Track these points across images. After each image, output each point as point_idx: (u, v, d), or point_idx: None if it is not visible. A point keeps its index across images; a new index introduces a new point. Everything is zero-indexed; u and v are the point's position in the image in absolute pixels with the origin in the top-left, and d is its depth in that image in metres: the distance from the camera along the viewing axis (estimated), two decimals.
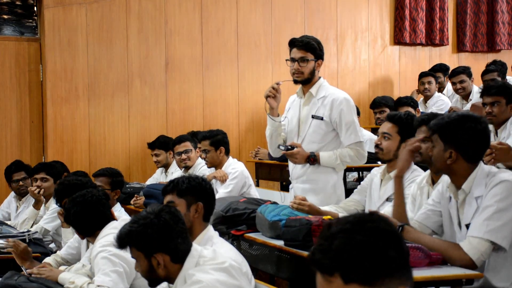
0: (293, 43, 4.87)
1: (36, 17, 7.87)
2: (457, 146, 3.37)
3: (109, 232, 3.90)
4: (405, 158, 3.73)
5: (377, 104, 7.52)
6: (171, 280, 3.06)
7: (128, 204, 6.34)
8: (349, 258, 1.82)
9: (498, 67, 7.86)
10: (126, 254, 3.63)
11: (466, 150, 3.38)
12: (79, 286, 3.77)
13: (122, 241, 3.04)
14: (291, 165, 4.99)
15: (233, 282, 3.01)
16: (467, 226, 3.37)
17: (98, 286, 3.74)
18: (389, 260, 1.81)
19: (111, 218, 4.10)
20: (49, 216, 6.13)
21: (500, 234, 3.27)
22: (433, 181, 3.92)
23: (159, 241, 3.01)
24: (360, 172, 6.21)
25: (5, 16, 7.82)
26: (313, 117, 4.84)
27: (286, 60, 4.92)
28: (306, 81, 4.87)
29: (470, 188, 3.40)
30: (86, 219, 3.99)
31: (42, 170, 6.26)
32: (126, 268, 3.78)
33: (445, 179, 3.62)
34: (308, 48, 4.82)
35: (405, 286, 1.84)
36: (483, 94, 5.37)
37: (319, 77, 4.92)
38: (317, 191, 4.68)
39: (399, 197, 3.72)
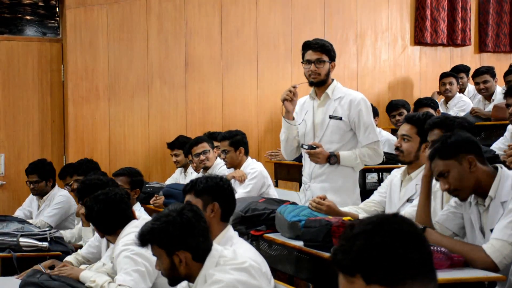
0: (308, 46, 4.89)
1: (58, 18, 7.91)
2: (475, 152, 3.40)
3: (131, 231, 3.90)
4: None
5: (394, 106, 7.48)
6: (191, 278, 3.06)
7: (147, 203, 6.37)
8: (370, 259, 1.81)
9: None
10: (148, 253, 3.64)
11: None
12: (100, 285, 3.79)
13: (144, 238, 3.04)
14: (308, 164, 4.99)
15: (253, 282, 3.01)
16: (492, 230, 3.36)
17: (119, 285, 3.75)
18: (411, 262, 1.80)
19: (133, 217, 4.11)
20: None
21: None
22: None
23: (181, 238, 3.01)
24: (380, 173, 6.19)
25: (28, 17, 7.88)
26: (331, 117, 4.85)
27: (301, 62, 4.93)
28: (321, 82, 4.88)
29: (495, 193, 3.39)
30: (108, 217, 4.00)
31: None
32: (149, 267, 3.79)
33: None
34: (323, 50, 4.84)
35: None
36: (507, 94, 5.35)
37: (333, 79, 4.94)
38: (336, 190, 4.68)
39: (425, 197, 3.70)
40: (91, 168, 6.27)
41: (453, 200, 3.67)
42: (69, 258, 4.68)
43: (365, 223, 1.86)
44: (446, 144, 3.43)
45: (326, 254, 3.42)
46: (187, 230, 3.04)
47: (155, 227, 3.02)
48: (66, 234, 5.77)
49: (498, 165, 3.47)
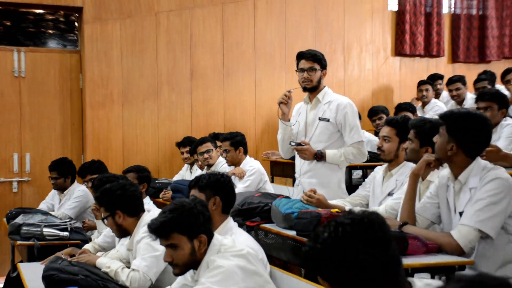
0: (301, 56, 4.92)
1: (77, 32, 7.92)
2: (460, 141, 3.39)
3: (152, 216, 3.92)
4: (426, 160, 3.72)
5: (375, 112, 7.53)
6: (197, 265, 3.06)
7: (157, 197, 6.38)
8: (332, 266, 1.78)
9: (488, 76, 7.85)
10: None
11: (467, 145, 3.40)
12: (114, 270, 3.80)
13: (164, 229, 3.00)
14: (298, 161, 5.01)
15: (250, 268, 3.02)
16: (461, 214, 3.39)
17: (133, 269, 3.77)
18: (373, 269, 1.75)
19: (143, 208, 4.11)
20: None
21: (489, 224, 3.29)
22: (422, 178, 3.94)
23: (201, 223, 3.02)
24: (364, 170, 6.21)
25: (50, 31, 7.90)
26: (320, 119, 4.87)
27: (296, 70, 4.96)
28: (313, 88, 4.90)
29: (466, 179, 3.42)
30: (127, 199, 3.97)
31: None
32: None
33: (442, 173, 3.64)
34: (315, 59, 4.87)
35: None
36: (477, 99, 5.37)
37: (324, 86, 4.96)
38: (323, 185, 4.67)
39: (410, 193, 3.69)
40: (100, 168, 6.30)
41: (429, 191, 3.70)
42: (87, 246, 4.69)
43: (336, 226, 1.80)
44: (456, 116, 3.44)
45: None
46: (204, 216, 3.05)
47: (176, 216, 3.00)
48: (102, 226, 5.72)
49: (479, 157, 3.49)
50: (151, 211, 4.08)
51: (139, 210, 4.01)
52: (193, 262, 3.04)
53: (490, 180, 3.33)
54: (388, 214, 3.92)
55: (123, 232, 4.00)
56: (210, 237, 3.08)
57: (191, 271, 3.24)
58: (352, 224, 1.79)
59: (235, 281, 2.93)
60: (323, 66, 4.91)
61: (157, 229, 3.01)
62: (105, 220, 4.02)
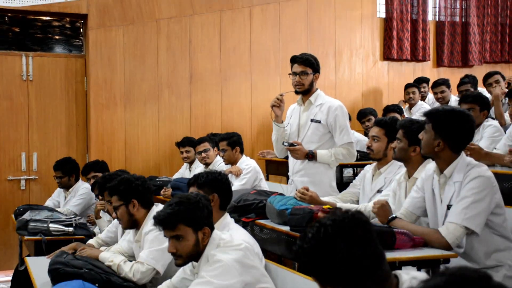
0: (294, 60, 4.89)
1: (82, 37, 7.91)
2: (446, 138, 3.39)
3: None
4: None
5: (363, 114, 7.57)
6: (199, 257, 3.05)
7: (158, 194, 6.37)
8: (320, 265, 1.78)
9: (471, 79, 7.87)
10: None
11: (453, 141, 3.41)
12: (116, 264, 3.78)
13: (170, 220, 2.98)
14: (291, 160, 4.99)
15: (247, 262, 3.02)
16: (448, 206, 3.39)
17: (138, 261, 3.75)
18: (359, 266, 1.75)
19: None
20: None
21: (475, 221, 3.29)
22: (409, 176, 3.94)
23: (205, 216, 3.02)
24: (355, 168, 6.21)
25: (57, 37, 7.88)
26: (312, 121, 4.85)
27: (289, 74, 4.94)
28: (306, 91, 4.88)
29: (451, 173, 3.43)
30: (141, 191, 3.96)
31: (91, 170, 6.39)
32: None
33: (428, 167, 3.65)
34: (307, 63, 4.83)
35: (380, 287, 1.82)
36: (461, 101, 5.37)
37: (317, 88, 4.93)
38: (314, 183, 4.63)
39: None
40: (103, 167, 6.31)
41: (415, 186, 3.71)
42: (91, 241, 4.69)
43: (318, 227, 1.80)
44: (441, 114, 3.44)
45: None
46: (208, 210, 3.05)
47: (182, 208, 2.99)
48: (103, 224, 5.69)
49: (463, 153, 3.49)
50: (159, 205, 4.06)
51: (151, 203, 3.99)
52: (196, 253, 3.03)
53: (473, 178, 3.33)
54: None
55: (132, 223, 3.94)
56: (211, 230, 3.07)
57: (190, 266, 3.23)
58: (333, 225, 1.79)
59: (234, 274, 2.92)
60: (316, 70, 4.87)
61: (164, 220, 3.00)
62: (116, 211, 3.97)
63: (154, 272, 3.74)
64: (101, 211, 5.56)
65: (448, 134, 3.39)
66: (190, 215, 2.98)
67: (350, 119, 7.42)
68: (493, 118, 5.84)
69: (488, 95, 6.84)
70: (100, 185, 4.78)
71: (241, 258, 2.99)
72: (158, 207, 3.93)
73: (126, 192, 3.90)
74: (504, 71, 7.95)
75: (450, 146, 3.40)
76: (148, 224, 3.86)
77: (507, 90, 7.21)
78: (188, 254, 3.02)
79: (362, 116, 7.58)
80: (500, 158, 4.49)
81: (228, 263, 2.93)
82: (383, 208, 3.57)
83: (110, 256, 3.89)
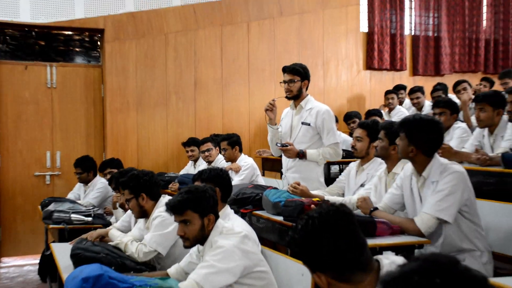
0: (284, 70, 4.89)
1: (99, 49, 7.91)
2: (417, 144, 3.40)
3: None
4: None
5: (349, 117, 7.61)
6: (204, 241, 3.06)
7: (166, 188, 6.38)
8: (308, 253, 1.79)
9: (442, 87, 7.89)
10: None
11: (424, 147, 3.41)
12: (124, 243, 3.81)
13: (180, 206, 3.00)
14: (284, 159, 5.00)
15: (247, 248, 3.03)
16: None
17: (141, 243, 3.78)
18: (342, 253, 1.76)
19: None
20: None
21: (447, 212, 3.31)
22: (388, 171, 3.95)
23: (212, 204, 3.03)
24: (341, 165, 6.22)
25: (77, 49, 7.89)
26: (302, 123, 4.85)
27: (280, 82, 4.94)
28: (295, 97, 4.87)
29: (428, 174, 3.43)
30: (150, 184, 3.98)
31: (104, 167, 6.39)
32: (174, 229, 3.79)
33: (406, 167, 3.66)
34: (295, 72, 4.82)
35: (363, 272, 1.83)
36: (434, 106, 5.39)
37: (307, 94, 4.93)
38: (305, 179, 4.64)
39: None
40: (118, 164, 6.34)
41: (395, 183, 3.71)
42: (108, 228, 4.70)
43: (306, 220, 1.81)
44: (412, 123, 3.44)
45: None
46: (213, 199, 3.07)
47: (192, 197, 3.01)
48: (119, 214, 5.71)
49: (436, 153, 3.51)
50: (166, 196, 4.07)
51: (159, 195, 4.01)
52: (201, 237, 3.04)
53: (448, 174, 3.35)
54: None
55: (143, 213, 3.97)
56: (216, 218, 3.08)
57: (196, 251, 3.24)
58: (320, 217, 1.80)
59: (234, 258, 2.93)
60: (304, 77, 4.83)
61: (174, 206, 3.02)
62: (127, 203, 3.99)
63: (155, 253, 3.77)
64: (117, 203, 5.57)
65: (419, 141, 3.38)
66: (197, 203, 3.00)
67: (337, 121, 7.50)
68: (461, 121, 5.86)
69: (457, 100, 6.86)
70: (116, 180, 4.79)
71: (241, 244, 3.00)
72: (165, 198, 3.96)
73: (135, 187, 3.93)
74: (471, 80, 7.96)
75: (423, 151, 3.41)
76: (155, 213, 3.89)
77: (473, 96, 7.25)
78: (194, 237, 3.03)
79: (348, 119, 7.63)
80: (468, 156, 4.51)
81: (230, 248, 2.94)
82: (365, 202, 3.59)
83: (119, 236, 3.93)
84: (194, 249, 3.30)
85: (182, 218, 3.01)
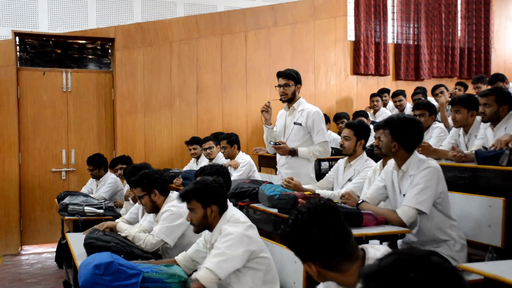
0: (279, 75, 4.87)
1: (110, 57, 7.90)
2: (399, 140, 3.41)
3: (175, 198, 3.92)
4: None
5: (338, 117, 7.60)
6: (211, 228, 3.06)
7: (171, 183, 6.36)
8: (298, 244, 1.79)
9: (422, 90, 7.89)
10: (184, 214, 3.64)
11: (405, 143, 3.43)
12: (132, 235, 3.79)
13: (187, 195, 3.03)
14: (278, 156, 5.00)
15: (252, 235, 3.01)
16: (404, 195, 3.41)
17: (150, 233, 3.77)
18: (329, 245, 1.76)
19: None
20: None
21: (425, 204, 3.32)
22: (383, 165, 3.95)
23: (214, 196, 3.02)
24: (330, 162, 6.23)
25: (90, 56, 7.87)
26: (294, 123, 4.84)
27: (275, 86, 4.93)
28: (289, 100, 4.87)
29: (407, 168, 3.45)
30: (160, 181, 3.96)
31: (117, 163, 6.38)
32: (182, 222, 3.78)
33: (389, 163, 3.67)
34: (289, 77, 4.81)
35: (349, 260, 1.82)
36: (414, 108, 5.39)
37: (300, 97, 4.92)
38: (297, 174, 4.65)
39: None
40: (128, 161, 6.34)
41: (380, 176, 3.72)
42: (117, 221, 4.68)
43: (296, 214, 1.81)
44: (395, 121, 3.45)
45: None
46: (218, 191, 3.05)
47: (197, 187, 3.02)
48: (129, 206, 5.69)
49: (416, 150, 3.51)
50: (174, 192, 4.06)
51: (168, 191, 4.00)
52: (205, 225, 3.05)
53: (424, 168, 3.36)
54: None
55: (155, 208, 3.95)
56: (223, 208, 3.06)
57: (203, 240, 3.23)
58: (308, 212, 1.80)
59: (242, 245, 2.93)
60: (297, 81, 4.82)
61: (182, 195, 3.05)
62: (140, 200, 3.97)
63: (162, 243, 3.76)
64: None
65: (401, 138, 3.41)
66: (200, 194, 3.01)
67: (329, 121, 7.54)
68: (439, 121, 5.86)
69: (435, 103, 6.87)
70: (128, 177, 4.76)
71: (247, 231, 2.99)
72: (174, 194, 3.95)
73: (148, 184, 3.90)
74: (448, 84, 7.99)
75: (404, 147, 3.43)
76: (164, 207, 3.87)
77: (450, 99, 7.26)
78: (198, 223, 3.04)
79: (337, 119, 7.63)
80: (445, 153, 4.51)
81: (238, 235, 2.93)
82: (350, 196, 3.59)
83: (127, 228, 3.92)
84: (201, 239, 3.30)
85: (189, 206, 3.05)
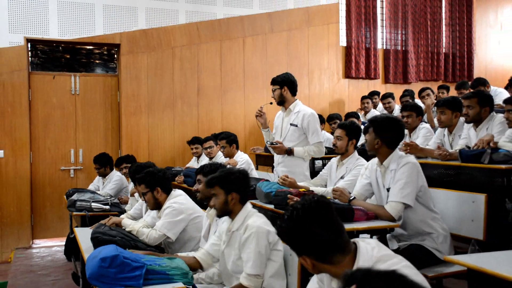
0: (271, 82, 4.89)
1: (116, 61, 7.88)
2: (382, 138, 3.43)
3: (178, 194, 3.91)
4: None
5: (331, 118, 7.59)
6: (233, 215, 3.06)
7: (173, 181, 6.34)
8: (293, 238, 1.79)
9: (410, 93, 7.90)
10: (185, 210, 3.64)
11: (387, 140, 3.45)
12: (136, 229, 3.79)
13: (212, 181, 3.04)
14: (275, 155, 4.99)
15: (269, 228, 2.97)
16: (388, 189, 3.42)
17: (153, 228, 3.76)
18: (322, 239, 1.75)
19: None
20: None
21: (409, 198, 3.35)
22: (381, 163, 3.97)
23: (237, 184, 3.02)
24: (324, 161, 6.23)
25: (97, 61, 7.85)
26: (291, 124, 4.84)
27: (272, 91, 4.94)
28: (280, 102, 4.86)
29: (388, 164, 3.47)
30: (163, 179, 3.96)
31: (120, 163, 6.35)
32: (183, 218, 3.77)
33: (372, 161, 3.70)
34: (274, 83, 4.82)
35: (342, 253, 1.82)
36: (402, 110, 5.40)
37: (296, 99, 4.90)
38: (292, 172, 4.65)
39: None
40: (132, 159, 6.32)
41: (365, 174, 3.73)
42: (122, 216, 4.66)
43: (292, 210, 1.80)
44: (379, 121, 3.48)
45: None
46: (241, 180, 3.05)
47: (222, 175, 3.04)
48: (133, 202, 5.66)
49: (398, 148, 3.52)
50: (177, 190, 4.05)
51: (171, 189, 3.99)
52: (226, 210, 3.05)
53: (404, 164, 3.39)
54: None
55: (157, 205, 3.93)
56: (243, 198, 3.06)
57: (218, 233, 3.21)
58: (303, 208, 1.79)
59: (264, 238, 2.90)
60: (282, 84, 4.78)
61: (207, 181, 3.07)
62: (144, 196, 3.95)
63: (164, 237, 3.75)
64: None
65: (384, 135, 3.44)
66: (223, 180, 3.02)
67: (324, 122, 7.54)
68: (426, 122, 5.86)
69: (422, 105, 6.87)
70: (132, 175, 4.74)
71: (266, 223, 2.98)
72: (176, 192, 3.94)
73: (151, 182, 3.90)
74: (434, 87, 7.99)
75: (386, 143, 3.45)
76: (167, 204, 3.86)
77: (435, 101, 7.28)
78: (220, 208, 3.04)
79: (330, 119, 7.62)
80: (431, 152, 4.51)
81: (260, 227, 2.91)
82: (342, 193, 3.59)
83: (131, 224, 3.92)
84: (216, 234, 3.27)
85: (212, 191, 3.05)
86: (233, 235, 3.04)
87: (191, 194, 4.20)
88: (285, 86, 4.82)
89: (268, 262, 2.93)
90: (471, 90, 5.83)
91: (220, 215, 3.09)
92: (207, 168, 3.66)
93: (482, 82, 7.06)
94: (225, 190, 3.01)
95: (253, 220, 2.95)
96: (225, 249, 3.10)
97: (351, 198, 3.53)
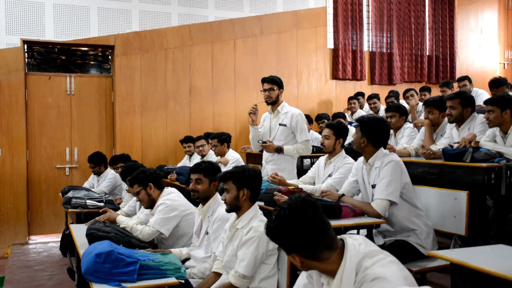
0: (264, 80, 4.91)
1: (110, 62, 7.83)
2: (368, 136, 3.46)
3: (171, 191, 3.89)
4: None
5: (320, 118, 7.60)
6: (240, 212, 3.04)
7: (166, 178, 6.33)
8: (282, 236, 1.79)
9: (394, 94, 7.94)
10: (178, 207, 3.62)
11: (373, 139, 3.47)
12: (130, 226, 3.77)
13: (225, 175, 3.02)
14: (265, 153, 5.01)
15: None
16: (373, 186, 3.43)
17: (146, 225, 3.74)
18: (309, 237, 1.75)
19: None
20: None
21: (394, 194, 3.41)
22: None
23: (250, 181, 3.01)
24: (312, 159, 6.24)
25: (92, 62, 7.80)
26: (280, 125, 4.87)
27: (261, 90, 4.94)
28: (273, 102, 4.89)
29: (373, 162, 3.49)
30: (154, 176, 3.95)
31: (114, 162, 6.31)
32: (176, 214, 3.75)
33: (358, 160, 3.72)
34: (273, 82, 4.84)
35: (329, 250, 1.81)
36: (387, 110, 5.41)
37: (282, 101, 4.94)
38: (282, 170, 4.67)
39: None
40: (126, 158, 6.28)
41: (352, 172, 3.75)
42: (116, 213, 4.63)
43: (279, 210, 1.80)
44: (365, 121, 3.51)
45: None
46: (254, 178, 3.04)
47: (236, 170, 3.03)
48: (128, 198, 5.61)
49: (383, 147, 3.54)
50: (169, 188, 4.04)
51: (163, 186, 3.98)
52: (236, 205, 3.03)
53: (388, 163, 3.41)
54: (329, 189, 3.93)
55: (152, 202, 3.91)
56: (254, 196, 3.04)
57: (228, 232, 3.16)
58: (289, 207, 1.79)
59: (263, 245, 2.90)
60: (280, 86, 4.87)
61: (221, 176, 3.06)
62: (138, 196, 3.93)
63: (157, 233, 3.73)
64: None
65: (369, 134, 3.46)
66: (237, 176, 3.00)
67: (312, 122, 7.56)
68: (410, 122, 5.88)
69: (406, 105, 6.90)
70: (124, 177, 4.71)
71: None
72: (169, 189, 3.93)
73: (143, 179, 3.90)
74: (417, 88, 8.03)
75: (371, 142, 3.48)
76: (160, 200, 3.84)
77: (419, 101, 7.31)
78: (230, 203, 3.02)
79: (319, 119, 7.62)
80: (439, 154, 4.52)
81: (263, 236, 2.87)
82: (332, 193, 3.61)
83: (125, 220, 3.90)
84: (223, 235, 3.23)
85: (225, 186, 3.04)
86: (236, 231, 3.03)
87: (183, 192, 4.18)
88: (282, 88, 4.90)
89: (262, 265, 2.93)
90: (454, 91, 5.87)
91: (229, 210, 3.07)
92: (200, 166, 3.63)
93: (468, 78, 7.30)
94: (238, 185, 3.00)
95: (258, 223, 2.94)
96: (228, 244, 3.10)
97: (340, 195, 3.54)
